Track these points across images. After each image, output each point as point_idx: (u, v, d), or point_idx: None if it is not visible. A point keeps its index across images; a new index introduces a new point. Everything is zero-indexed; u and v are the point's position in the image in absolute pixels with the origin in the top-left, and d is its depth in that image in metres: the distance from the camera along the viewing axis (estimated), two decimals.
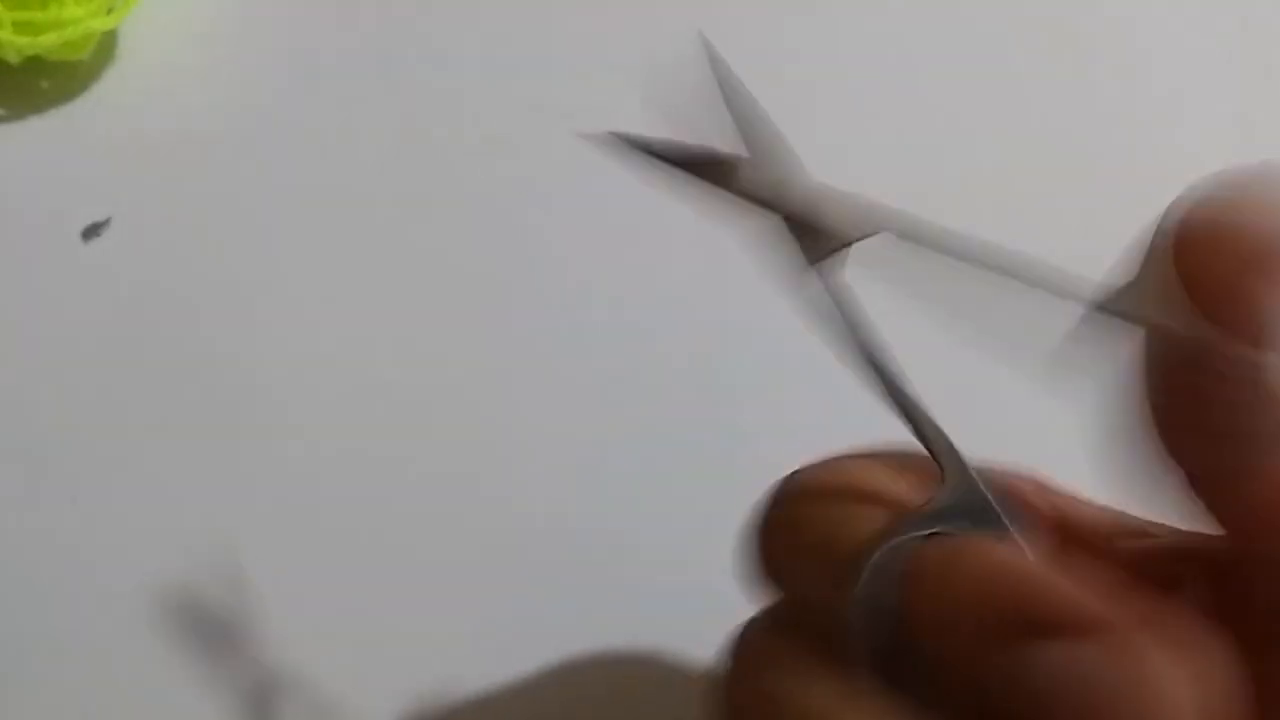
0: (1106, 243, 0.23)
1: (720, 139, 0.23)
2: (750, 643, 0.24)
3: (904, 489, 0.23)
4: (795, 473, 0.25)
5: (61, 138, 0.43)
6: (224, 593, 0.35)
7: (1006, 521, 0.22)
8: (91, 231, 0.41)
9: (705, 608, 0.27)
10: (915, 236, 0.22)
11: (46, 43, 0.42)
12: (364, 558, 0.36)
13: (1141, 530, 0.24)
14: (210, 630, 0.35)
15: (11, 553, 0.36)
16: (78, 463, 0.37)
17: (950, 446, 0.22)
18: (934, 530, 0.21)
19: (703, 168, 0.23)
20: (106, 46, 0.45)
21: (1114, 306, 0.21)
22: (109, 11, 0.44)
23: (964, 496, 0.22)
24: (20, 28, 0.42)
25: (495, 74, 0.45)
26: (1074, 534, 0.24)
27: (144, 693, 0.34)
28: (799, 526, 0.24)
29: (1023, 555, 0.21)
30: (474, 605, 0.36)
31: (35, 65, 0.44)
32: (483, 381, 0.39)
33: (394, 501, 0.37)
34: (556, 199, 0.42)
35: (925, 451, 0.22)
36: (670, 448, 0.38)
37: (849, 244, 0.22)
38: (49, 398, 0.38)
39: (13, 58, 0.43)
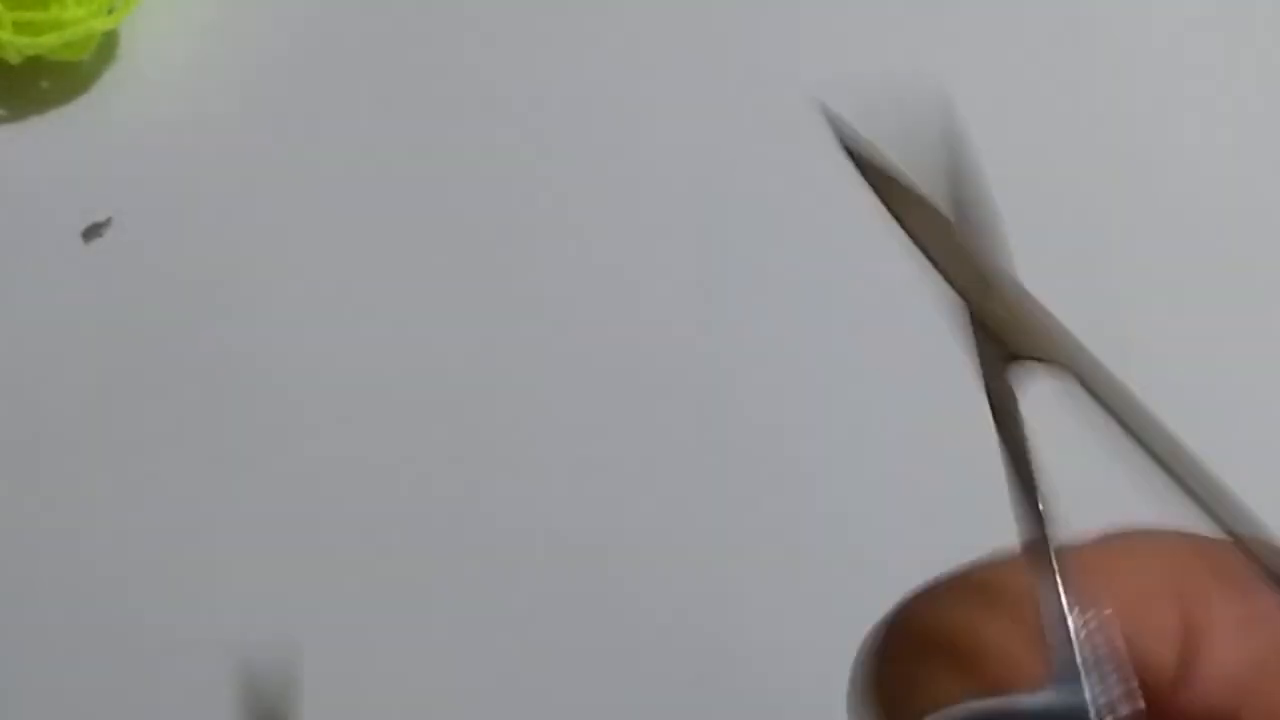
0: None
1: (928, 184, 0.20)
2: None
3: (1014, 645, 0.20)
4: (903, 606, 0.22)
5: (61, 138, 0.43)
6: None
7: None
8: (92, 231, 0.41)
9: None
10: (1084, 378, 0.19)
11: (46, 43, 0.42)
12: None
13: None
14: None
15: (5, 552, 0.36)
16: (77, 462, 0.37)
17: (1061, 607, 0.18)
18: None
19: (890, 194, 0.20)
20: (106, 46, 0.45)
21: None
22: (109, 11, 0.43)
23: (1063, 683, 0.17)
24: (20, 28, 0.42)
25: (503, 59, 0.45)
26: None
27: None
28: (874, 681, 0.22)
29: None
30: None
31: (35, 65, 0.43)
32: (495, 374, 0.39)
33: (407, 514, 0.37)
34: (575, 190, 0.43)
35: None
36: None
37: (1018, 359, 0.19)
38: (49, 397, 0.38)
39: (13, 58, 0.43)
